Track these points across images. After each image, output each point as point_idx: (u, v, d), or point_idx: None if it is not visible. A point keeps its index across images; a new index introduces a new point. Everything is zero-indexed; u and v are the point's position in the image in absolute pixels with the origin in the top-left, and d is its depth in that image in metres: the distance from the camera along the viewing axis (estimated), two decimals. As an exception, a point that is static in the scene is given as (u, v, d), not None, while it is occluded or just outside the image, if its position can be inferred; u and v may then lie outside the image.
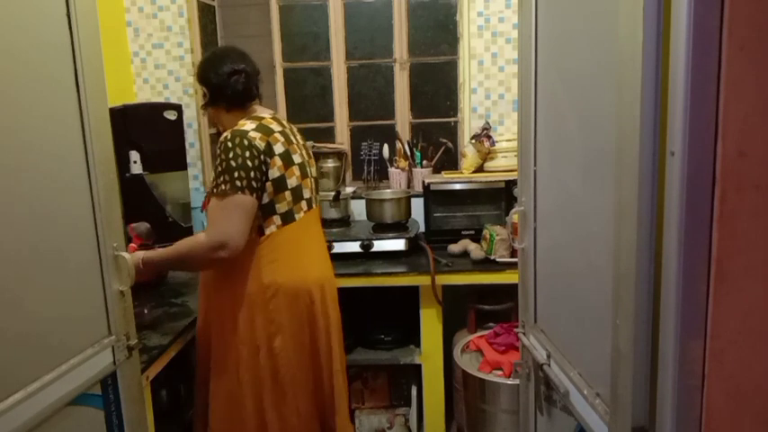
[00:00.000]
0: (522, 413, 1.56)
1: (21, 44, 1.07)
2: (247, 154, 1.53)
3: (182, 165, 2.46)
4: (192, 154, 2.77)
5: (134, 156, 2.25)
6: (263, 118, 1.67)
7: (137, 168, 2.26)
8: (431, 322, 2.32)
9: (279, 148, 1.60)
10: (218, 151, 1.56)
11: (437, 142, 2.89)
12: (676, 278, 0.76)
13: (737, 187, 0.72)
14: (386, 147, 2.89)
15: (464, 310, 2.51)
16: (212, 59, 1.73)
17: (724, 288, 0.75)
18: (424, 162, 2.87)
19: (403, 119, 2.96)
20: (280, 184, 1.60)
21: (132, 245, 1.92)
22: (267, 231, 1.62)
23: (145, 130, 2.29)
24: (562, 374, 1.20)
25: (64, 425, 1.17)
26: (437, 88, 2.92)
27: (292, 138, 1.71)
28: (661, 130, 0.77)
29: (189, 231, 2.39)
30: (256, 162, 1.54)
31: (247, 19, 2.93)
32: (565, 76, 1.19)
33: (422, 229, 2.64)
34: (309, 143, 2.13)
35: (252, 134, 1.56)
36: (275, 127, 1.64)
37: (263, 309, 1.62)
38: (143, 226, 1.99)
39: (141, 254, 1.66)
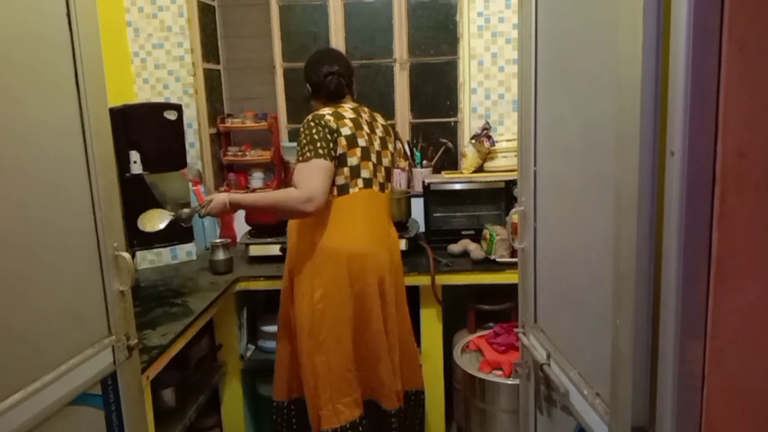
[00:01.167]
0: (522, 413, 1.56)
1: (21, 44, 1.07)
2: (324, 131, 1.82)
3: (182, 165, 2.45)
4: (191, 154, 2.77)
5: (134, 156, 2.25)
6: (341, 106, 1.94)
7: (137, 168, 2.25)
8: (431, 322, 2.32)
9: (346, 131, 1.86)
10: (302, 129, 1.85)
11: (437, 142, 2.89)
12: (676, 278, 0.76)
13: (737, 187, 0.72)
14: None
15: (464, 310, 2.51)
16: (314, 61, 2.04)
17: (724, 288, 0.75)
18: (424, 162, 2.87)
19: (403, 119, 2.96)
20: (341, 160, 1.86)
21: (196, 188, 2.34)
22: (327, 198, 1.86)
23: (145, 130, 2.28)
24: (562, 374, 1.20)
25: (64, 425, 1.17)
26: (437, 88, 2.92)
27: (365, 126, 1.95)
28: (661, 130, 0.77)
29: (189, 231, 2.39)
30: (332, 136, 1.83)
31: (247, 19, 2.93)
32: (565, 76, 1.19)
33: (422, 229, 2.64)
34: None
35: (327, 117, 1.85)
36: (348, 114, 1.91)
37: (311, 263, 1.89)
38: (194, 169, 2.38)
39: (226, 195, 1.94)
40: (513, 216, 1.51)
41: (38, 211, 1.11)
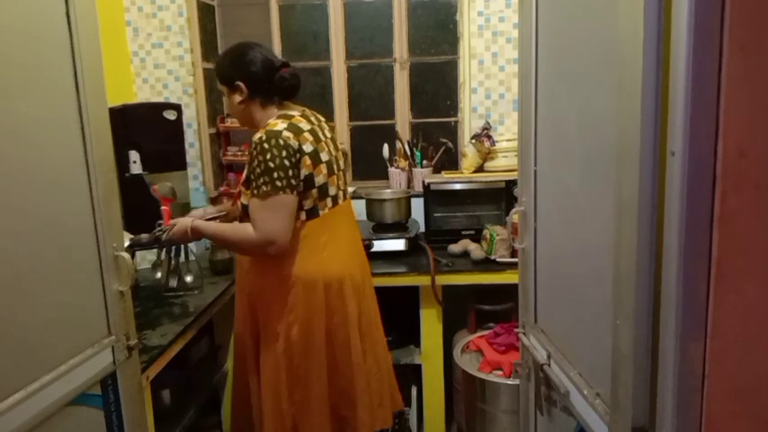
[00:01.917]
0: (523, 413, 1.56)
1: (20, 44, 1.07)
2: (284, 153, 1.58)
3: (181, 165, 2.45)
4: (191, 154, 2.77)
5: (134, 156, 2.25)
6: (292, 116, 1.69)
7: (137, 168, 2.25)
8: (431, 322, 2.32)
9: (308, 147, 1.64)
10: (255, 152, 1.59)
11: (437, 142, 2.88)
12: (676, 278, 0.76)
13: (737, 187, 0.72)
14: (386, 147, 2.89)
15: (464, 310, 2.50)
16: (248, 53, 1.71)
17: (724, 288, 0.75)
18: (424, 162, 2.87)
19: (403, 119, 2.96)
20: (308, 182, 1.65)
21: (165, 207, 2.08)
22: (294, 224, 1.68)
23: (144, 130, 2.28)
24: (562, 374, 1.20)
25: (64, 425, 1.17)
26: (437, 88, 2.92)
27: (321, 135, 1.74)
28: (661, 130, 0.77)
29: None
30: (293, 161, 1.60)
31: (247, 19, 2.93)
32: (565, 76, 1.19)
33: (422, 229, 2.64)
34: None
35: (285, 134, 1.60)
36: (304, 125, 1.68)
37: (282, 298, 1.68)
38: (165, 186, 2.16)
39: (190, 220, 1.77)
40: (514, 216, 1.51)
41: (37, 211, 1.11)
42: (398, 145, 2.87)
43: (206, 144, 2.81)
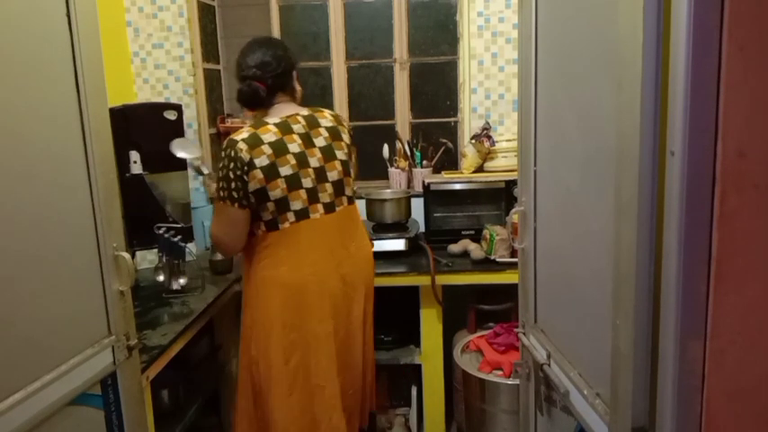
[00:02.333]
0: (522, 413, 1.56)
1: (21, 44, 1.07)
2: (231, 165, 1.63)
3: (182, 165, 2.45)
4: (192, 154, 2.77)
5: (134, 156, 2.25)
6: (264, 124, 1.70)
7: (137, 168, 2.25)
8: (431, 322, 2.32)
9: (261, 161, 1.63)
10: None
11: (437, 142, 2.88)
12: (676, 278, 0.76)
13: (737, 187, 0.72)
14: (386, 147, 2.89)
15: (464, 310, 2.50)
16: (238, 56, 1.82)
17: (724, 288, 0.75)
18: (424, 162, 2.87)
19: (403, 119, 2.96)
20: (262, 195, 1.66)
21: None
22: (257, 233, 1.73)
23: (145, 130, 2.28)
24: (562, 374, 1.20)
25: (64, 425, 1.17)
26: (437, 88, 2.92)
27: (294, 145, 1.69)
28: (661, 130, 0.77)
29: (189, 231, 2.39)
30: (238, 173, 1.63)
31: (247, 19, 2.93)
32: (565, 76, 1.19)
33: (422, 229, 2.64)
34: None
35: (240, 145, 1.64)
36: (268, 137, 1.66)
37: (254, 302, 1.74)
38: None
39: None
40: (513, 216, 1.51)
41: (38, 211, 1.11)
42: (398, 145, 2.87)
43: (206, 144, 2.81)
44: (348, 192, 1.83)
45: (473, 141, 2.67)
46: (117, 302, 1.30)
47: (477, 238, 2.49)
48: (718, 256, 0.74)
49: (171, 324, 1.84)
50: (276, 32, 2.92)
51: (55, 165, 1.15)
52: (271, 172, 1.64)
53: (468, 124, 2.81)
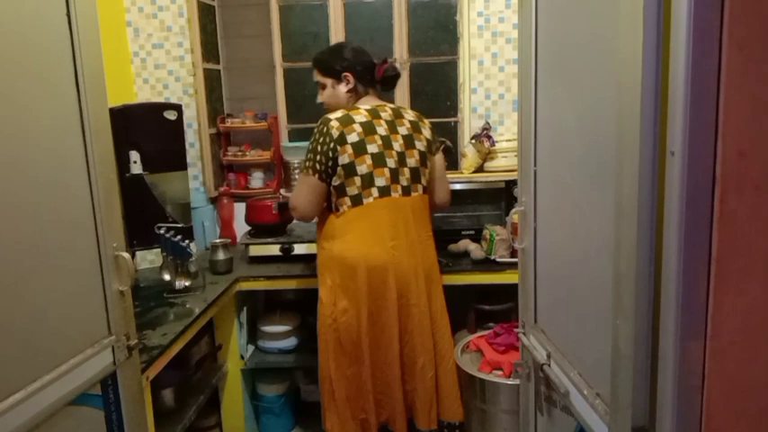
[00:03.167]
0: (522, 413, 1.56)
1: (21, 44, 1.07)
2: (321, 140, 1.81)
3: (182, 165, 2.45)
4: (192, 154, 2.77)
5: (134, 156, 2.25)
6: (356, 108, 1.88)
7: (137, 168, 2.26)
8: (431, 322, 2.31)
9: (353, 138, 1.80)
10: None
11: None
12: (676, 278, 0.76)
13: (737, 187, 0.72)
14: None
15: (464, 310, 2.50)
16: (353, 47, 2.01)
17: (724, 288, 0.75)
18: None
19: (403, 119, 2.96)
20: (350, 169, 1.80)
21: None
22: (340, 209, 1.85)
23: (145, 130, 2.28)
24: (562, 374, 1.20)
25: (64, 425, 1.17)
26: (437, 88, 2.92)
27: (381, 128, 1.86)
28: (661, 130, 0.77)
29: (189, 231, 2.39)
30: (325, 147, 1.80)
31: (247, 19, 2.93)
32: (565, 76, 1.19)
33: (422, 229, 2.64)
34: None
35: (333, 122, 1.81)
36: (359, 117, 1.84)
37: (330, 275, 1.86)
38: None
39: None
40: (514, 216, 1.51)
41: (37, 211, 1.11)
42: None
43: (206, 144, 2.81)
44: (423, 181, 1.95)
45: (473, 141, 2.67)
46: (117, 302, 1.30)
47: (477, 238, 2.49)
48: (718, 257, 0.74)
49: (171, 324, 1.84)
50: (276, 32, 2.92)
51: (55, 165, 1.15)
52: (360, 148, 1.81)
53: (469, 124, 2.81)
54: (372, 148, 1.82)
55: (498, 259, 2.29)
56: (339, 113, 1.84)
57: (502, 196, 2.57)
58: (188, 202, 2.50)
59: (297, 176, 2.46)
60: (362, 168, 1.81)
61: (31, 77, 1.10)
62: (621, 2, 0.82)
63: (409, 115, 1.97)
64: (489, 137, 2.64)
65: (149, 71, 2.77)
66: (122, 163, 2.19)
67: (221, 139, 2.96)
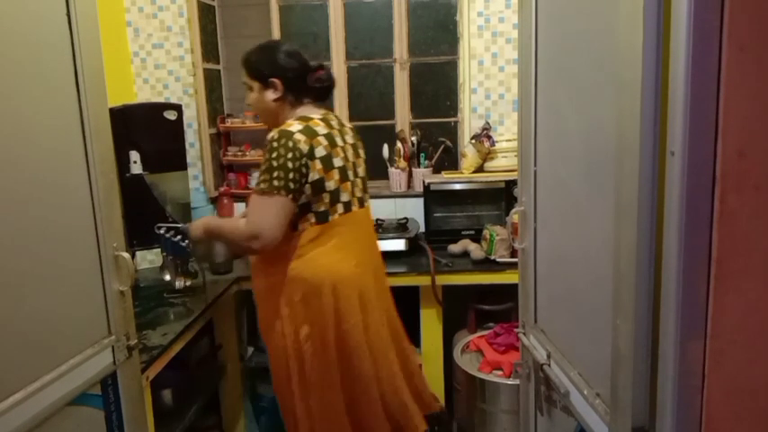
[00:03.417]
0: (523, 413, 1.56)
1: (21, 44, 1.07)
2: (289, 155, 1.58)
3: (182, 165, 2.45)
4: (191, 154, 2.77)
5: (134, 156, 2.25)
6: (310, 119, 1.69)
7: (137, 168, 2.26)
8: (431, 322, 2.32)
9: (320, 152, 1.63)
10: (265, 149, 1.62)
11: (437, 142, 2.89)
12: (676, 278, 0.76)
13: (737, 187, 0.72)
14: (386, 147, 2.89)
15: (464, 310, 2.50)
16: (285, 48, 1.77)
17: (724, 288, 0.75)
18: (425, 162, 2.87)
19: (403, 119, 2.96)
20: (318, 186, 1.64)
21: None
22: (300, 228, 1.67)
23: (145, 130, 2.29)
24: (562, 374, 1.20)
25: (64, 425, 1.17)
26: (437, 88, 2.92)
27: (338, 140, 1.72)
28: (661, 130, 0.77)
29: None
30: (297, 164, 1.59)
31: (247, 19, 2.93)
32: (565, 76, 1.19)
33: (422, 229, 2.64)
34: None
35: (297, 136, 1.60)
36: (321, 129, 1.67)
37: (289, 300, 1.68)
38: None
39: (206, 219, 1.87)
40: (514, 216, 1.51)
41: (38, 211, 1.11)
42: (398, 145, 2.87)
43: (206, 144, 2.81)
44: (367, 190, 1.87)
45: (473, 141, 2.68)
46: (117, 302, 1.30)
47: (477, 238, 2.49)
48: (719, 257, 0.74)
49: (171, 324, 1.84)
50: (276, 32, 2.92)
51: (55, 165, 1.15)
52: (327, 162, 1.65)
53: (469, 124, 2.81)
54: (338, 162, 1.68)
55: (498, 259, 2.29)
56: (297, 125, 1.63)
57: (502, 196, 2.57)
58: (188, 202, 2.50)
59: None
60: (330, 184, 1.65)
61: (31, 77, 1.10)
62: (621, 2, 0.82)
63: (347, 122, 1.88)
64: (489, 137, 2.65)
65: (149, 71, 2.77)
66: (122, 163, 2.19)
67: (221, 139, 2.96)
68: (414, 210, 2.74)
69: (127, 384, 1.35)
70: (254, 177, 2.96)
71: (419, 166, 2.86)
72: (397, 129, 2.94)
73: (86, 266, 1.24)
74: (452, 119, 2.93)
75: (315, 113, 1.74)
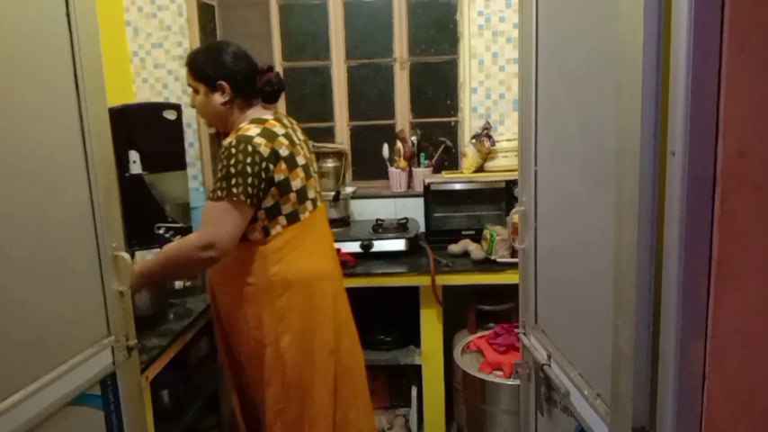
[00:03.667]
0: (523, 414, 1.56)
1: (20, 44, 1.07)
2: (249, 160, 1.53)
3: (181, 165, 2.45)
4: (191, 154, 2.77)
5: (133, 156, 2.25)
6: (265, 120, 1.65)
7: (136, 168, 2.25)
8: (431, 322, 2.32)
9: (284, 152, 1.60)
10: (222, 156, 1.56)
11: (437, 142, 2.89)
12: (677, 278, 0.76)
13: (737, 187, 0.72)
14: (386, 147, 2.89)
15: (464, 310, 2.50)
16: (233, 51, 1.70)
17: (724, 288, 0.74)
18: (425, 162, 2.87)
19: (403, 119, 2.96)
20: (285, 186, 1.61)
21: None
22: (273, 232, 1.63)
23: (144, 130, 2.28)
24: (563, 375, 1.20)
25: (64, 425, 1.17)
26: (437, 88, 2.92)
27: (295, 138, 1.70)
28: (662, 130, 0.77)
29: (188, 231, 2.38)
30: (256, 169, 1.54)
31: (247, 19, 2.93)
32: (565, 76, 1.19)
33: (422, 229, 2.64)
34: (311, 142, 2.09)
35: (257, 140, 1.56)
36: (278, 130, 1.64)
37: (270, 306, 1.63)
38: None
39: (137, 267, 1.64)
40: (514, 216, 1.51)
41: (37, 211, 1.11)
42: (398, 145, 2.87)
43: (206, 144, 2.81)
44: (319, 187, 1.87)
45: (473, 141, 2.67)
46: (116, 303, 1.30)
47: (477, 238, 2.49)
48: (719, 256, 0.74)
49: (170, 324, 1.84)
50: (276, 32, 2.92)
51: (55, 165, 1.15)
52: (292, 162, 1.63)
53: (469, 124, 2.81)
54: (300, 160, 1.66)
55: (498, 259, 2.28)
56: (256, 128, 1.59)
57: (502, 196, 2.57)
58: (187, 202, 2.49)
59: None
60: (297, 183, 1.63)
61: (31, 77, 1.10)
62: (622, 2, 0.82)
63: (293, 120, 1.83)
64: (489, 137, 2.64)
65: (149, 71, 2.76)
66: (122, 163, 2.19)
67: (220, 139, 2.95)
68: (414, 210, 2.74)
69: (126, 384, 1.35)
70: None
71: (419, 166, 2.85)
72: (397, 128, 2.94)
73: (86, 266, 1.24)
74: (452, 119, 2.93)
75: (267, 114, 1.71)
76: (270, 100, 1.76)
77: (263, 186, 1.57)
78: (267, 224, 1.63)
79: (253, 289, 1.64)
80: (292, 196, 1.63)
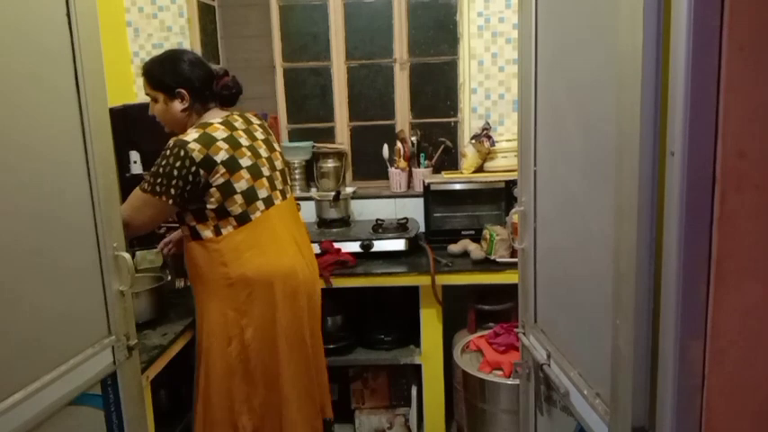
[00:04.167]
0: (523, 413, 1.56)
1: (21, 45, 1.07)
2: (178, 164, 1.60)
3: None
4: (191, 154, 2.77)
5: (134, 156, 2.26)
6: (209, 125, 1.69)
7: (137, 168, 2.26)
8: (431, 322, 2.32)
9: (221, 157, 1.64)
10: (161, 154, 1.63)
11: (437, 142, 2.89)
12: (676, 278, 0.76)
13: (737, 187, 0.72)
14: (386, 147, 2.89)
15: (464, 310, 2.51)
16: (189, 58, 1.77)
17: (724, 288, 0.75)
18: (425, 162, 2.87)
19: (403, 119, 2.96)
20: (227, 189, 1.65)
21: None
22: (224, 231, 1.68)
23: (145, 130, 2.28)
24: (562, 374, 1.20)
25: (64, 425, 1.17)
26: (437, 88, 2.92)
27: (243, 140, 1.73)
28: (661, 131, 0.77)
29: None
30: (184, 172, 1.60)
31: (247, 19, 2.93)
32: (565, 76, 1.19)
33: (422, 229, 2.64)
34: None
35: (191, 145, 1.61)
36: (220, 134, 1.67)
37: (233, 303, 1.70)
38: None
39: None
40: (514, 216, 1.51)
41: (38, 211, 1.11)
42: (398, 145, 2.87)
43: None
44: (289, 180, 1.90)
45: (473, 141, 2.68)
46: (117, 302, 1.30)
47: (477, 238, 2.49)
48: (719, 256, 0.74)
49: (171, 324, 1.84)
50: (276, 32, 2.93)
51: (55, 165, 1.15)
52: (233, 164, 1.66)
53: (469, 124, 2.81)
54: (245, 162, 1.69)
55: (498, 259, 2.29)
56: (195, 134, 1.64)
57: (502, 196, 2.57)
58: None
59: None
60: (241, 185, 1.67)
61: (31, 78, 1.10)
62: (622, 2, 0.82)
63: (254, 118, 1.87)
64: (489, 137, 2.65)
65: (149, 71, 2.76)
66: (122, 163, 2.19)
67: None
68: (414, 210, 2.74)
69: (127, 384, 1.35)
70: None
71: (419, 166, 2.86)
72: (397, 129, 2.95)
73: (86, 266, 1.24)
74: (452, 119, 2.94)
75: (216, 117, 1.74)
76: (227, 103, 1.82)
77: (189, 188, 1.62)
78: (218, 223, 1.68)
79: (215, 286, 1.70)
80: (238, 198, 1.67)
